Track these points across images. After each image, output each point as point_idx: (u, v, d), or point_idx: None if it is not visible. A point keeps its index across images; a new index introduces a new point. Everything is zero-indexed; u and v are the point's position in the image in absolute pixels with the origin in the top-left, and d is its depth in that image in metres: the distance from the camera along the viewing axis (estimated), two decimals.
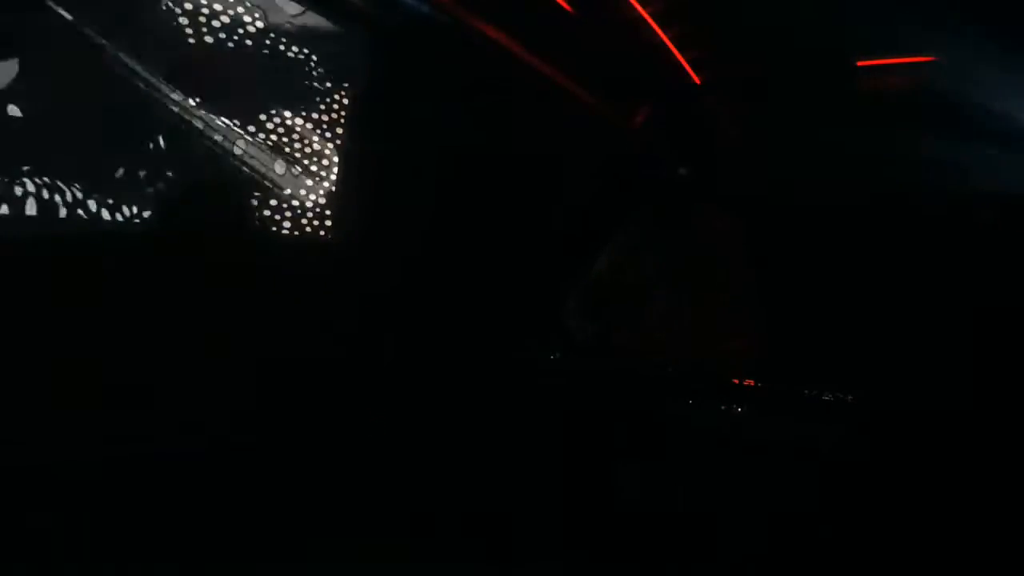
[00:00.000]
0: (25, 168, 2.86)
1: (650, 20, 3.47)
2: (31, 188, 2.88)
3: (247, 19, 3.53)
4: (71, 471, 2.75)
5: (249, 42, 3.54)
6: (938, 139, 3.31)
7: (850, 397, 2.83)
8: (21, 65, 2.82)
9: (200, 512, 2.97)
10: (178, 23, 3.28)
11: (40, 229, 2.94)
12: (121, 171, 3.14)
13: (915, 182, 3.50)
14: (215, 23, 3.41)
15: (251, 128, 3.55)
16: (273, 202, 3.67)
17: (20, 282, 2.70)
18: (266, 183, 3.63)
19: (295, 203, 3.75)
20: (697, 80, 3.66)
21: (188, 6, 3.32)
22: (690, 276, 3.13)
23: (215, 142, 3.45)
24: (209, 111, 3.39)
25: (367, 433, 3.85)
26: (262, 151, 3.61)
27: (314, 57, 3.79)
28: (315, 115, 3.80)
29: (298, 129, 3.74)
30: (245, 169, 3.56)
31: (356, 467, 3.64)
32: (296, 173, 3.74)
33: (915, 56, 3.38)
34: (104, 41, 3.04)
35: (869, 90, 3.38)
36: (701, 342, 3.15)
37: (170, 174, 3.27)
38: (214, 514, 3.00)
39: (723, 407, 3.10)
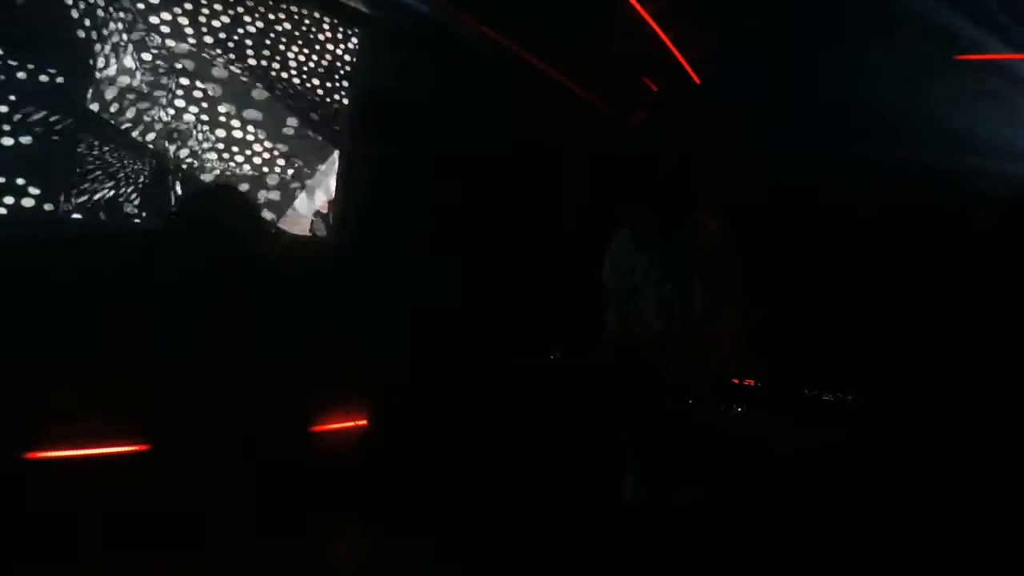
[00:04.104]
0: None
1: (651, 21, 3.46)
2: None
3: (248, 19, 3.55)
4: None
5: (250, 42, 3.56)
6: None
7: (850, 397, 2.82)
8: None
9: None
10: (179, 22, 3.30)
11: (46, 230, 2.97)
12: (123, 172, 3.16)
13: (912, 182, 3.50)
14: (216, 23, 3.43)
15: (252, 128, 3.57)
16: (271, 202, 3.69)
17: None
18: (264, 184, 3.65)
19: (293, 204, 3.77)
20: (697, 80, 3.65)
21: (188, 6, 3.34)
22: (685, 277, 3.13)
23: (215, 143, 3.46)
24: (209, 112, 3.41)
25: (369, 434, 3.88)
26: (262, 150, 3.62)
27: (315, 57, 3.81)
28: (315, 115, 3.82)
29: (297, 128, 3.75)
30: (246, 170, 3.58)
31: (359, 467, 3.67)
32: (294, 174, 3.75)
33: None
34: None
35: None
36: (697, 343, 3.15)
37: (171, 176, 3.29)
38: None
39: (723, 407, 3.09)
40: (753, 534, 2.91)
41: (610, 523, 3.22)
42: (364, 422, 4.03)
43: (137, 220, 3.24)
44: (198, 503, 3.10)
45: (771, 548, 2.88)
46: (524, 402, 3.59)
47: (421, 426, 3.87)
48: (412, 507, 3.53)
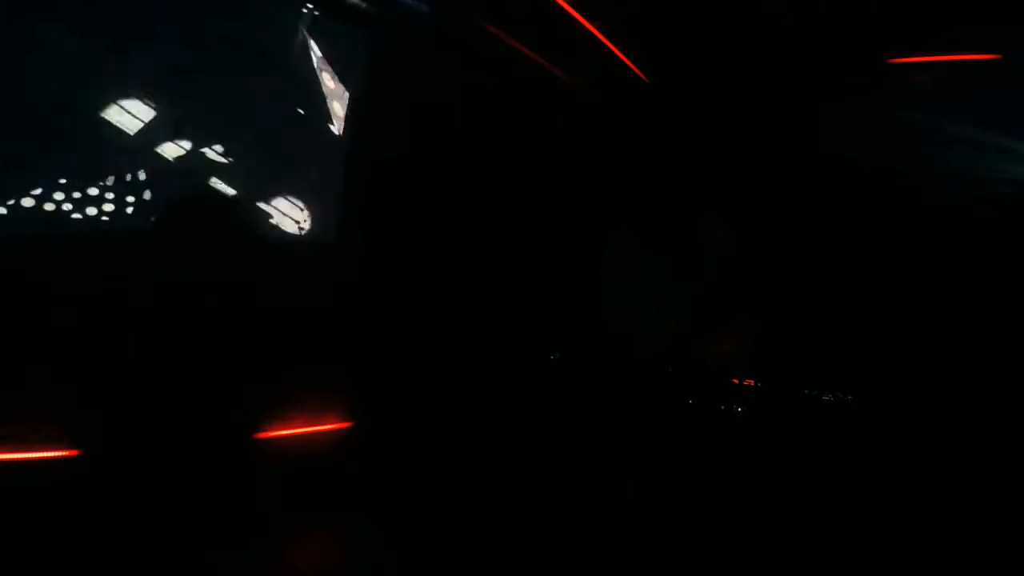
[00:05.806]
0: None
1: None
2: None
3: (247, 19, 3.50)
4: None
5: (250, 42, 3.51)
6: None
7: (850, 397, 2.89)
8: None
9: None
10: (179, 21, 3.24)
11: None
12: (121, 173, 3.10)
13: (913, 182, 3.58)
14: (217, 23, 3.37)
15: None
16: (272, 203, 3.64)
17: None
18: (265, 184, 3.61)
19: (293, 205, 3.73)
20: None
21: (189, 6, 3.28)
22: (685, 279, 3.17)
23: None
24: (209, 111, 3.36)
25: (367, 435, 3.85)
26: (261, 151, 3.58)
27: (314, 57, 3.78)
28: (315, 115, 3.78)
29: (298, 128, 3.71)
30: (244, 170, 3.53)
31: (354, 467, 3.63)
32: (295, 174, 3.71)
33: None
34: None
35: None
36: (696, 343, 3.19)
37: (170, 176, 3.24)
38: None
39: (723, 407, 3.14)
40: (754, 533, 2.95)
41: (610, 523, 3.24)
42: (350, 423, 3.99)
43: (134, 220, 3.17)
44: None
45: (771, 547, 2.93)
46: (524, 402, 3.60)
47: (416, 427, 3.85)
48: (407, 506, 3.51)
